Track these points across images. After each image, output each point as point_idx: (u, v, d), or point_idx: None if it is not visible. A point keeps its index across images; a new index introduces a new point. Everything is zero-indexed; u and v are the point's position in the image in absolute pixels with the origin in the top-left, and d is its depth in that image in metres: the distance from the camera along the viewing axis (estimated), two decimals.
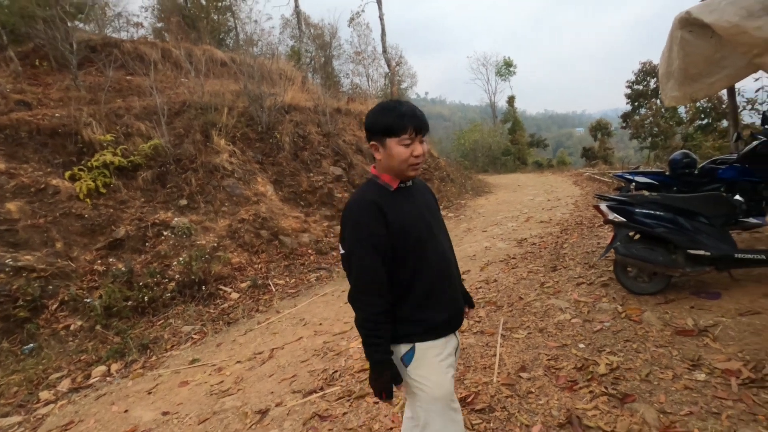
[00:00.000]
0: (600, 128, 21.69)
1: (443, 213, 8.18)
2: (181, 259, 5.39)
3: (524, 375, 2.60)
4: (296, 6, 18.49)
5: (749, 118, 9.62)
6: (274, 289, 5.60)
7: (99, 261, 5.22)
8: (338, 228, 1.46)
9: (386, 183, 1.45)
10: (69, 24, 8.47)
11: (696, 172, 4.03)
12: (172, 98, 8.08)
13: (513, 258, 5.19)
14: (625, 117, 18.42)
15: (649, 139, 16.86)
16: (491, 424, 2.20)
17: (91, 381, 3.86)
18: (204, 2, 15.81)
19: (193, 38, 12.06)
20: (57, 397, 3.66)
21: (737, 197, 3.56)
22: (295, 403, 2.83)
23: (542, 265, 4.68)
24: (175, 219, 5.97)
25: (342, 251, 1.44)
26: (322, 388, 2.95)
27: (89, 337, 4.45)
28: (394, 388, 1.43)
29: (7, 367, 3.99)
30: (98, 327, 4.52)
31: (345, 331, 3.94)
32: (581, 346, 2.81)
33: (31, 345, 4.23)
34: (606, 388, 2.31)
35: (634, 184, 4.21)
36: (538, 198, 9.92)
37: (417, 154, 1.40)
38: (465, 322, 3.06)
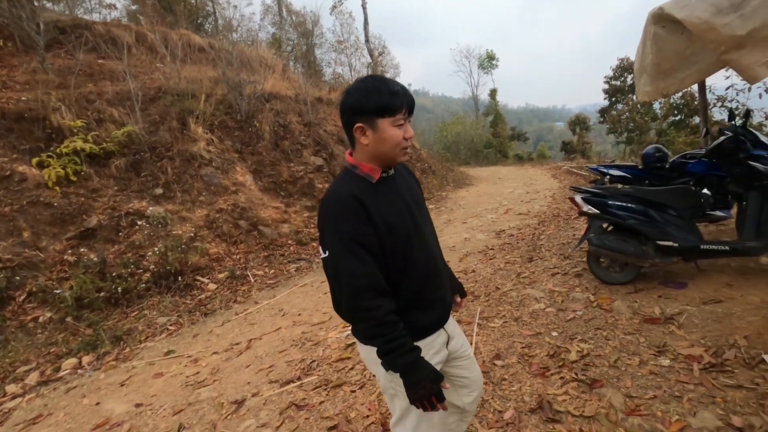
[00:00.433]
0: (579, 123, 22.10)
1: None
2: (156, 249, 5.27)
3: (498, 363, 2.65)
4: None
5: (719, 114, 9.94)
6: (252, 280, 5.54)
7: (69, 251, 5.05)
8: None
9: (367, 174, 1.28)
10: (36, 3, 8.06)
11: (667, 166, 4.15)
12: (147, 84, 7.82)
13: (491, 249, 5.26)
14: (603, 112, 18.80)
15: (625, 134, 17.26)
16: None
17: (61, 374, 3.76)
18: None
19: (169, 22, 11.64)
20: (25, 390, 3.55)
21: (705, 191, 3.70)
22: (272, 392, 2.82)
23: (519, 255, 4.76)
24: (150, 208, 5.82)
25: (323, 255, 1.25)
26: (299, 378, 2.95)
27: (59, 329, 4.32)
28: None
29: None
30: (69, 319, 4.39)
31: (324, 321, 3.93)
32: (554, 334, 2.89)
33: None
34: (576, 374, 2.38)
35: (608, 177, 4.31)
36: (517, 190, 10.07)
37: (408, 137, 1.27)
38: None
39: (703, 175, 3.77)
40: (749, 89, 8.57)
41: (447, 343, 1.45)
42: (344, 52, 21.00)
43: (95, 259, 4.93)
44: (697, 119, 12.34)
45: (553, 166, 15.35)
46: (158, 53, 9.07)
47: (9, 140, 5.62)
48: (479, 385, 1.59)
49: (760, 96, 8.49)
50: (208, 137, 7.27)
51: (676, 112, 13.95)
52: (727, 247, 3.09)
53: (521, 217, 6.87)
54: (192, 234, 5.82)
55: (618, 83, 18.29)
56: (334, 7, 21.29)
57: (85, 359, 3.97)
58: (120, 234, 5.44)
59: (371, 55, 20.22)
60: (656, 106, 15.09)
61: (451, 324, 1.51)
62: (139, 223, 5.58)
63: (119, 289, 4.75)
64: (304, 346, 3.48)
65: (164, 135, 6.83)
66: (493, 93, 28.57)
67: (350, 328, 1.46)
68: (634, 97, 16.52)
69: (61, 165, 5.57)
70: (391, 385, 1.36)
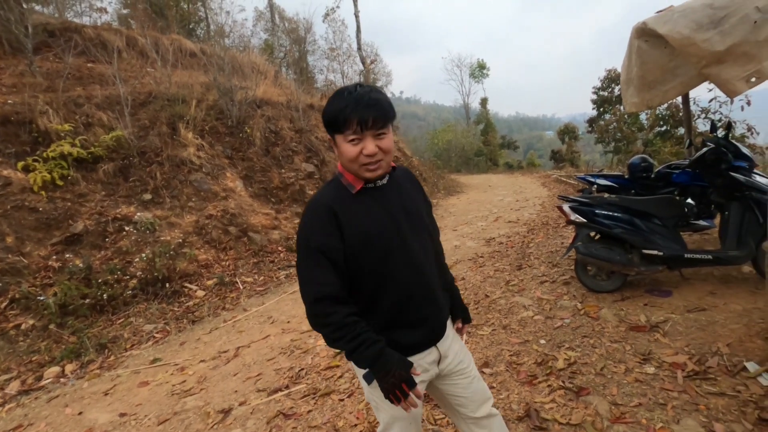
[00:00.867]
0: (567, 132, 22.38)
1: None
2: (143, 255, 5.20)
3: (487, 370, 2.66)
4: None
5: (703, 126, 10.17)
6: (241, 287, 5.49)
7: (54, 257, 4.96)
8: None
9: (349, 183, 1.26)
10: (24, 5, 7.98)
11: (652, 176, 4.23)
12: (137, 88, 7.77)
13: (481, 257, 5.30)
14: (591, 122, 19.07)
15: (613, 143, 17.54)
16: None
17: (43, 383, 3.68)
18: None
19: (160, 27, 11.61)
20: (4, 399, 3.46)
21: (689, 201, 3.77)
22: (260, 401, 2.79)
23: (508, 263, 4.80)
24: (138, 214, 5.75)
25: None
26: (287, 386, 2.93)
27: (42, 336, 4.22)
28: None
29: None
30: (52, 326, 4.29)
31: (312, 329, 3.91)
32: (542, 342, 2.91)
33: None
34: (563, 382, 2.40)
35: (595, 186, 4.38)
36: (507, 198, 10.16)
37: (368, 153, 1.16)
38: None
39: (687, 185, 3.85)
40: (731, 102, 8.80)
41: (438, 362, 1.38)
42: (336, 59, 21.13)
43: (81, 265, 4.85)
44: (682, 130, 12.60)
45: (543, 174, 15.53)
46: (149, 58, 9.02)
47: None
48: (480, 403, 1.45)
49: (743, 108, 8.71)
50: (199, 143, 7.23)
51: (662, 122, 14.22)
52: (710, 256, 3.16)
53: (511, 225, 6.93)
54: (180, 240, 5.76)
55: (606, 94, 18.59)
56: (327, 14, 21.42)
57: (69, 367, 3.88)
58: (107, 240, 5.36)
59: (363, 63, 20.34)
60: (643, 116, 15.38)
61: (447, 343, 1.40)
62: (127, 228, 5.51)
63: (105, 296, 4.67)
64: (292, 354, 3.46)
65: (154, 140, 6.77)
66: (484, 101, 28.86)
67: None
68: (622, 107, 16.83)
69: (47, 169, 5.48)
70: (372, 397, 1.36)
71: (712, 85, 7.45)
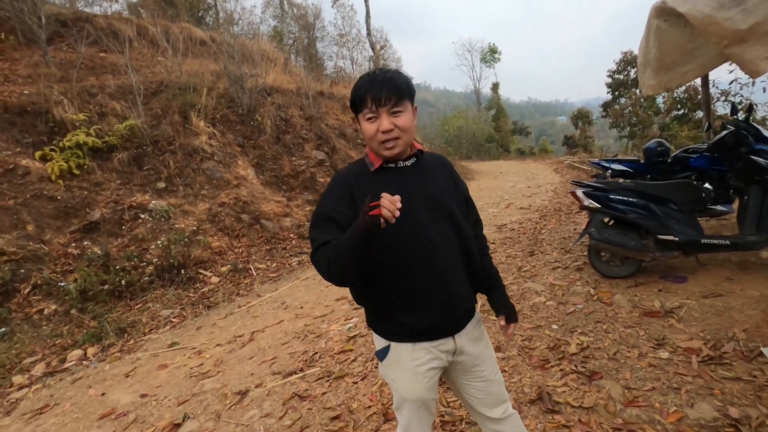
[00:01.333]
0: (581, 117, 21.98)
1: None
2: (159, 242, 5.30)
3: (499, 355, 2.68)
4: None
5: (723, 109, 9.88)
6: (255, 273, 5.58)
7: (73, 244, 5.09)
8: None
9: (370, 161, 1.32)
10: None
11: (669, 160, 4.14)
12: (149, 77, 7.81)
13: (492, 243, 5.28)
14: (606, 106, 18.69)
15: (628, 128, 17.19)
16: None
17: (67, 365, 3.81)
18: None
19: (170, 15, 11.60)
20: (31, 381, 3.60)
21: (706, 185, 3.70)
22: (275, 384, 2.86)
23: (520, 250, 4.78)
24: (153, 202, 5.84)
25: None
26: (302, 369, 2.99)
27: (64, 321, 4.36)
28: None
29: None
30: (73, 311, 4.43)
31: (325, 314, 3.97)
32: (554, 327, 2.91)
33: (3, 329, 4.12)
34: (576, 366, 2.41)
35: (609, 171, 4.31)
36: (519, 185, 10.06)
37: (383, 129, 1.21)
38: None
39: (705, 170, 3.77)
40: (753, 83, 8.51)
41: (454, 353, 1.36)
42: (346, 45, 20.92)
43: (99, 252, 4.97)
44: (700, 113, 12.28)
45: (555, 160, 15.32)
46: (160, 47, 9.05)
47: (12, 134, 5.63)
48: (495, 405, 1.43)
49: (765, 90, 8.42)
50: (210, 131, 7.28)
51: (679, 106, 13.88)
52: (727, 242, 3.11)
53: (523, 212, 6.88)
54: (194, 227, 5.85)
55: (621, 77, 18.14)
56: (336, 0, 21.17)
57: (90, 351, 4.01)
58: (123, 227, 5.47)
59: (373, 49, 20.12)
60: (659, 100, 15.02)
61: (468, 340, 1.38)
62: (142, 216, 5.61)
63: (123, 282, 4.79)
64: (306, 339, 3.52)
65: (166, 129, 6.83)
66: (495, 87, 28.42)
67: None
68: (638, 91, 16.43)
69: (63, 159, 5.59)
70: (385, 373, 1.40)
71: (732, 67, 7.23)
